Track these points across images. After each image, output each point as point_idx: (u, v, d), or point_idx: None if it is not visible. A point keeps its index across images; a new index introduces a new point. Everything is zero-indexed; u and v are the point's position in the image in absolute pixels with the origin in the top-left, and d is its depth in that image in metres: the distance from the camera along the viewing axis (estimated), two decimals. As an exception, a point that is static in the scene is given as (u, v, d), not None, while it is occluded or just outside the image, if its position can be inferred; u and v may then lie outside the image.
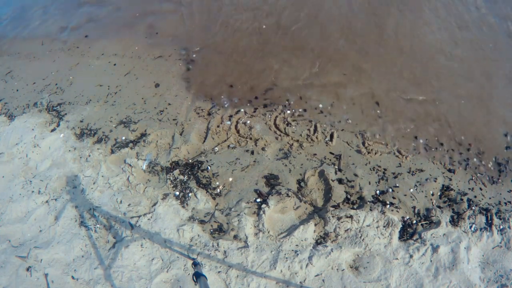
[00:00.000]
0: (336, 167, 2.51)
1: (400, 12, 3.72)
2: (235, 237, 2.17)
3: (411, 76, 3.13)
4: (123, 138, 2.87)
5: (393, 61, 3.26)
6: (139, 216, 2.33)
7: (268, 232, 2.18)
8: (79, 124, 3.09)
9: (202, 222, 2.29)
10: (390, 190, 2.37)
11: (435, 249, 2.06)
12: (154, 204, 2.39)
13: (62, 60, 3.98)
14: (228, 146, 2.71)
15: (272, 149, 2.67)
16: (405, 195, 2.34)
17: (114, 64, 3.71)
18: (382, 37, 3.48)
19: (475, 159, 2.56)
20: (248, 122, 2.86)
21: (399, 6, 3.77)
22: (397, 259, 2.04)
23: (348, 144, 2.67)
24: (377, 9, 3.76)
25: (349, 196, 2.35)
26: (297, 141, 2.70)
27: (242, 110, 2.97)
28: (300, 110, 2.93)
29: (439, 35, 3.47)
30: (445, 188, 2.39)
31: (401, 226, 2.19)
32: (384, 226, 2.17)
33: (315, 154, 2.61)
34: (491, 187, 2.42)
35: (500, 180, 2.46)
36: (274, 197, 2.33)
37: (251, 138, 2.74)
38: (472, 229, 2.18)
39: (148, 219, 2.31)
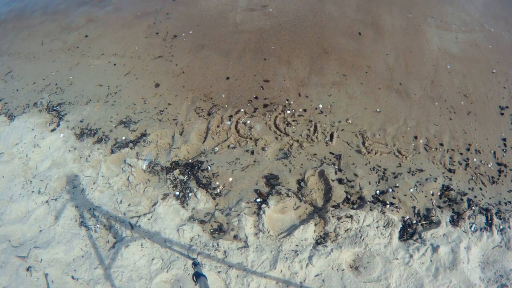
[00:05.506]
0: (336, 167, 2.51)
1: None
2: (235, 237, 2.17)
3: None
4: (123, 138, 2.87)
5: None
6: (139, 216, 2.33)
7: (268, 232, 2.18)
8: (79, 124, 3.09)
9: (202, 222, 2.29)
10: (390, 190, 2.37)
11: (435, 249, 2.06)
12: (154, 204, 2.39)
13: (62, 60, 3.99)
14: (228, 146, 2.71)
15: (272, 149, 2.67)
16: (405, 195, 2.34)
17: (114, 64, 3.71)
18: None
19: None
20: (248, 122, 2.86)
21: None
22: (397, 259, 2.04)
23: (348, 144, 2.67)
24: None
25: (349, 196, 2.34)
26: (297, 141, 2.69)
27: (242, 110, 2.97)
28: (300, 110, 2.93)
29: None
30: (445, 188, 2.39)
31: (401, 226, 2.19)
32: (384, 226, 2.17)
33: (315, 154, 2.61)
34: (491, 187, 2.42)
35: (500, 180, 2.46)
36: (274, 197, 2.33)
37: (251, 138, 2.74)
38: (472, 229, 2.18)
39: (148, 219, 2.31)
